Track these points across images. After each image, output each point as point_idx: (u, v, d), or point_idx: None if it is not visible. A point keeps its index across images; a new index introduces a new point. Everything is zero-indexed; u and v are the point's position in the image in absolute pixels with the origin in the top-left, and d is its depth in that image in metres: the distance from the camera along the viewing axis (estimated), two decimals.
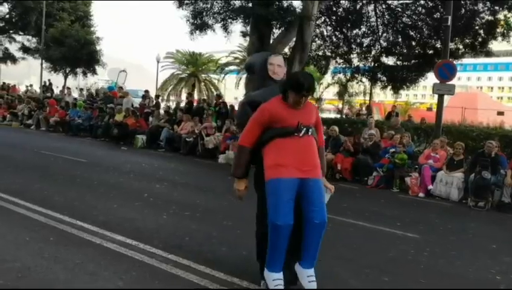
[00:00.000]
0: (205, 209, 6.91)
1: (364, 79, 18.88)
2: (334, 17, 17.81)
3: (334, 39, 18.08)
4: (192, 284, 3.96)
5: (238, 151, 3.64)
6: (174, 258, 4.54)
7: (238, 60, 39.94)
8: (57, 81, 30.84)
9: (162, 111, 18.00)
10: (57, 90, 25.93)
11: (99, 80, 34.60)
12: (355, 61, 18.26)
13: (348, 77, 18.82)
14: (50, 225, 5.42)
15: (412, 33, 16.83)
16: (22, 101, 22.67)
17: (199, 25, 17.27)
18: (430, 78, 16.40)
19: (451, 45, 14.18)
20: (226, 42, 16.14)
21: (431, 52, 16.49)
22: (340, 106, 30.75)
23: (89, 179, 8.65)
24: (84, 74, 28.69)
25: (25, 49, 36.24)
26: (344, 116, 22.52)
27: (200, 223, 6.05)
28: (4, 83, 29.83)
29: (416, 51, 16.86)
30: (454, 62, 13.50)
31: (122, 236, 5.12)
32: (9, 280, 3.77)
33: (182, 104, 21.59)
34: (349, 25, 17.51)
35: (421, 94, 67.05)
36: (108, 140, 16.35)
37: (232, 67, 41.79)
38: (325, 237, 3.56)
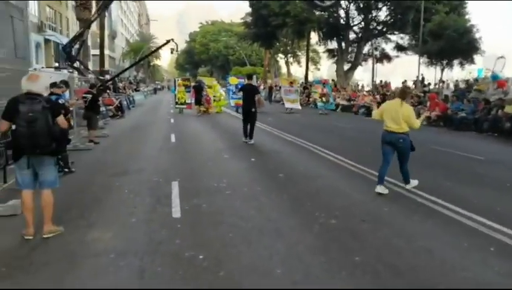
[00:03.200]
0: None
1: None
2: None
3: None
4: None
5: None
6: None
7: None
8: (427, 75, 30.99)
9: None
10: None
11: (472, 70, 32.50)
12: None
13: None
14: (480, 230, 5.05)
15: None
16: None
17: None
18: None
19: None
20: None
21: None
22: None
23: (496, 179, 7.86)
24: (461, 64, 27.50)
25: (399, 48, 38.46)
26: None
27: None
28: (381, 80, 32.35)
29: None
30: None
31: None
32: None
33: None
34: None
35: None
36: (497, 135, 14.84)
37: None
38: None
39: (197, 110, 22.87)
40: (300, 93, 28.30)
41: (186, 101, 24.69)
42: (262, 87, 29.34)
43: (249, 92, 12.15)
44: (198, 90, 23.06)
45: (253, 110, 11.92)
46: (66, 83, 9.68)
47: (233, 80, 26.87)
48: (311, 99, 31.12)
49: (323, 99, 25.34)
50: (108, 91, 22.95)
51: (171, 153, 10.69)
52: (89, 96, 12.13)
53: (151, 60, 76.69)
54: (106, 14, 43.55)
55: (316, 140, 12.29)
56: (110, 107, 21.01)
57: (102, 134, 13.81)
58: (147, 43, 69.69)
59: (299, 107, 25.32)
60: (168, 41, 22.61)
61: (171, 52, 24.37)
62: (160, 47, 28.39)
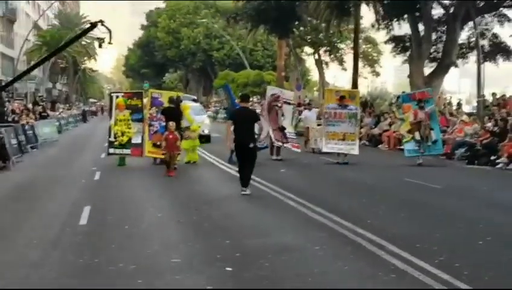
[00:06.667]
0: None
1: None
2: None
3: None
4: None
5: None
6: None
7: None
8: None
9: None
10: None
11: None
12: None
13: None
14: None
15: None
16: None
17: None
18: None
19: None
20: None
21: None
22: None
23: None
24: None
25: None
26: None
27: None
28: (493, 93, 30.23)
29: None
30: None
31: None
32: None
33: None
34: None
35: None
36: None
37: None
38: None
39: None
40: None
41: (132, 141, 21.13)
42: (279, 105, 25.12)
43: (244, 120, 13.54)
44: (175, 116, 19.03)
45: (251, 145, 13.37)
46: None
47: None
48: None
49: (419, 134, 20.55)
50: None
51: (62, 262, 8.23)
52: None
53: (79, 63, 75.27)
54: None
55: (379, 223, 10.43)
56: None
57: None
58: (72, 29, 68.06)
59: (356, 152, 20.91)
60: (93, 25, 20.21)
61: (99, 46, 22.24)
62: (80, 35, 26.27)
